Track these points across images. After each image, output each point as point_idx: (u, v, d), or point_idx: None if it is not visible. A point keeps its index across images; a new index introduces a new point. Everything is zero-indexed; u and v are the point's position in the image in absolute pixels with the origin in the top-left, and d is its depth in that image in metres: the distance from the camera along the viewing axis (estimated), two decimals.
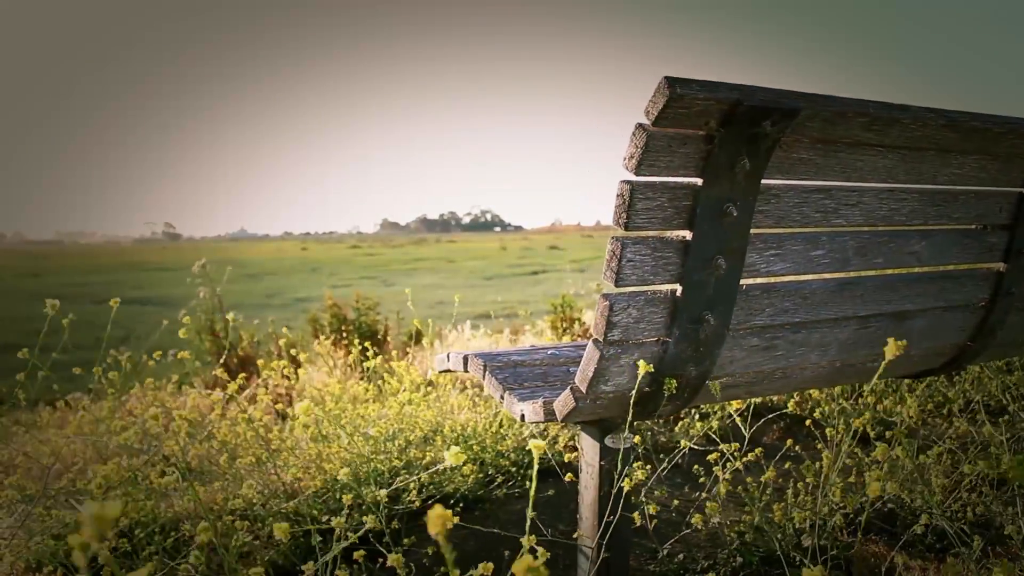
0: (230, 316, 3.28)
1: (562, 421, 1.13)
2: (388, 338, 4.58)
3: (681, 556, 1.71)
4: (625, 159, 0.97)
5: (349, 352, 4.16)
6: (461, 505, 2.03)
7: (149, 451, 2.15)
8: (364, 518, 0.93)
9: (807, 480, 1.80)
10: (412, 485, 1.80)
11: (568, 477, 1.65)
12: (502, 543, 1.92)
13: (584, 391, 1.06)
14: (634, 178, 0.98)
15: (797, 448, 2.28)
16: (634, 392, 1.09)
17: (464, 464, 1.93)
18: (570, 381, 1.34)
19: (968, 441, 2.15)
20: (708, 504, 1.56)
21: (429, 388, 2.38)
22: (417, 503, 1.82)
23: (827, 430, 1.63)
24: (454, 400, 2.40)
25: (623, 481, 1.15)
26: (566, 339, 4.39)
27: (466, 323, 5.40)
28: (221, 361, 2.35)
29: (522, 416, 1.20)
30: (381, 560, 1.66)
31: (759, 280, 1.15)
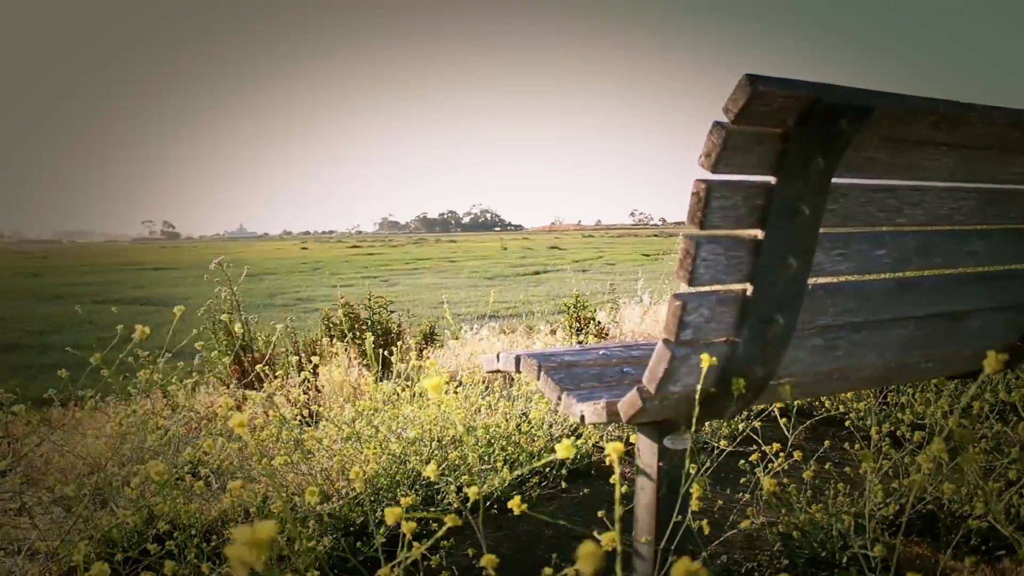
0: (238, 326, 3.26)
1: (627, 423, 1.12)
2: (403, 337, 4.56)
3: (724, 558, 1.70)
4: (701, 157, 0.96)
5: (363, 351, 4.14)
6: (496, 508, 2.01)
7: (177, 452, 2.14)
8: (445, 518, 0.91)
9: (845, 479, 1.79)
10: (451, 487, 1.78)
11: (613, 479, 1.64)
12: (538, 544, 1.91)
13: (653, 392, 1.05)
14: (710, 176, 0.97)
15: (845, 448, 2.27)
16: (699, 392, 1.08)
17: (503, 466, 1.92)
18: (625, 381, 1.33)
19: (1002, 442, 2.15)
20: (751, 507, 1.55)
21: (458, 388, 2.37)
22: (456, 504, 1.81)
23: (872, 430, 1.62)
24: (481, 400, 2.39)
25: (689, 485, 1.14)
26: (583, 339, 4.37)
27: (488, 323, 5.38)
28: (257, 364, 2.32)
29: (582, 417, 1.19)
30: (424, 562, 1.65)
31: (824, 280, 1.14)
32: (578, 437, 2.42)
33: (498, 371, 1.47)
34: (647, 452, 1.24)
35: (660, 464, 1.22)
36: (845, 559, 1.58)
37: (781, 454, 1.65)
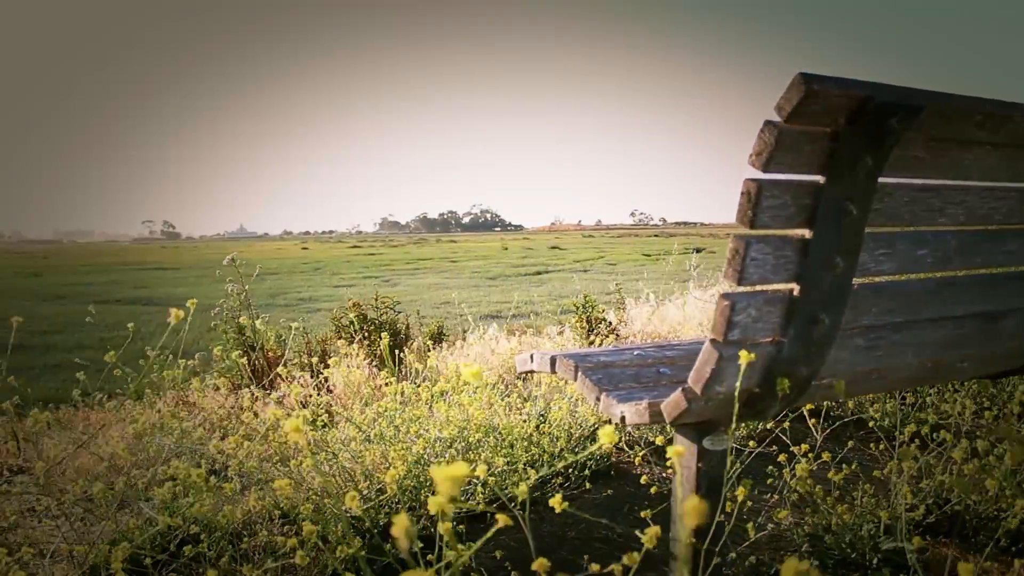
0: (259, 324, 3.26)
1: (670, 423, 1.11)
2: (412, 337, 4.55)
3: (753, 559, 1.69)
4: (752, 156, 0.95)
5: (373, 352, 4.13)
6: (519, 508, 2.01)
7: (201, 453, 2.13)
8: (498, 516, 0.90)
9: (871, 480, 1.79)
10: (478, 489, 1.78)
11: (644, 479, 1.63)
12: (561, 546, 1.91)
13: (699, 392, 1.04)
14: (760, 175, 0.96)
15: (863, 449, 2.26)
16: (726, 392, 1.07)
17: (530, 467, 1.91)
18: (662, 382, 1.32)
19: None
20: (780, 510, 1.55)
21: (477, 389, 2.36)
22: (481, 506, 1.80)
23: (905, 431, 1.61)
24: (501, 401, 2.38)
25: (735, 488, 1.13)
26: (594, 339, 4.36)
27: (492, 323, 5.38)
28: (270, 364, 2.32)
29: (622, 418, 1.19)
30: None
31: (867, 280, 1.13)
32: (595, 439, 2.42)
33: (531, 371, 1.47)
34: (686, 453, 1.23)
35: (699, 465, 1.21)
36: (876, 560, 1.57)
37: (810, 454, 1.64)
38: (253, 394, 2.52)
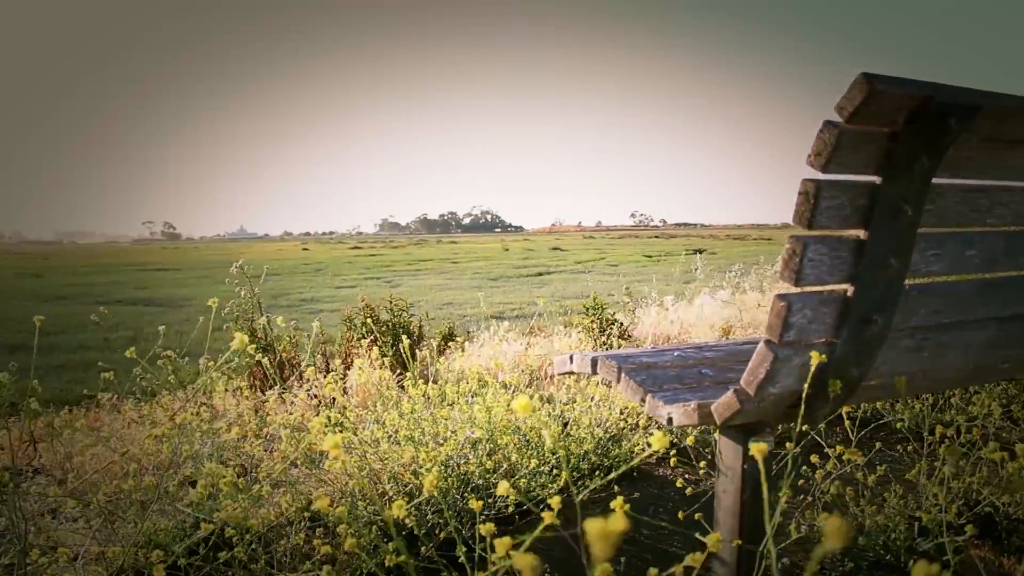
0: (280, 321, 3.24)
1: (720, 424, 1.11)
2: (425, 339, 4.55)
3: (786, 560, 1.68)
4: (811, 156, 0.95)
5: (384, 353, 4.13)
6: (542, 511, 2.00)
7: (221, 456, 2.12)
8: (550, 500, 0.90)
9: (901, 482, 1.78)
10: (510, 493, 1.77)
11: (679, 483, 1.63)
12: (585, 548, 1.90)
13: (752, 393, 1.04)
14: (819, 176, 0.96)
15: (887, 451, 2.26)
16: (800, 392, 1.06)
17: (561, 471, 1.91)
18: (705, 383, 1.31)
19: None
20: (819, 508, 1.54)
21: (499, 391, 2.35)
22: (511, 508, 1.80)
23: (935, 433, 1.61)
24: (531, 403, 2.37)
25: (779, 488, 1.12)
26: (608, 340, 4.36)
27: (500, 323, 5.37)
28: (283, 365, 2.31)
29: (669, 419, 1.18)
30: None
31: (917, 280, 1.13)
32: (618, 441, 2.41)
33: (571, 373, 1.46)
34: (730, 455, 1.23)
35: (744, 467, 1.20)
36: (912, 562, 1.56)
37: (845, 455, 1.63)
38: (280, 395, 2.51)
